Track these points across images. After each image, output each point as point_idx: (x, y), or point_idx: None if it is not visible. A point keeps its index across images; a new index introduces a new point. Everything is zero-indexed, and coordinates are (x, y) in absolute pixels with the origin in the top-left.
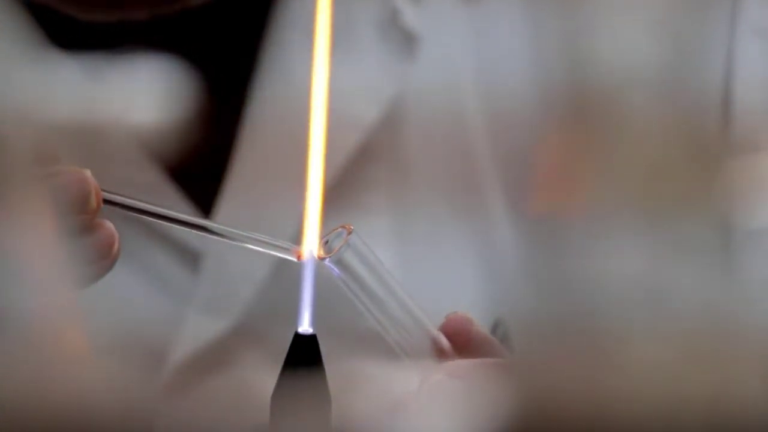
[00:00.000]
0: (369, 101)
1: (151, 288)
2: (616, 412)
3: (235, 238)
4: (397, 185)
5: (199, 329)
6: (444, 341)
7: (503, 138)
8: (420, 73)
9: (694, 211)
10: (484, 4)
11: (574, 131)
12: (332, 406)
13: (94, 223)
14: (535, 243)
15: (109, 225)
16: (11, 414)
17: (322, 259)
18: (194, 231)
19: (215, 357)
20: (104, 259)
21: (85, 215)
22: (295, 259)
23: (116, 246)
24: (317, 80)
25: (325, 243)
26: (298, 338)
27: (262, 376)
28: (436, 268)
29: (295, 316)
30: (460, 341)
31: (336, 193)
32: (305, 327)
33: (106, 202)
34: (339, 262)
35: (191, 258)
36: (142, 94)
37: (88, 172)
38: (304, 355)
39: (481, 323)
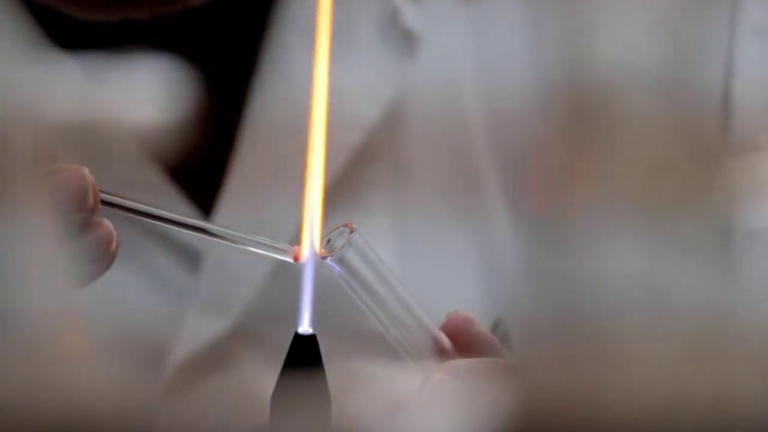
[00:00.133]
0: (369, 101)
1: (151, 288)
2: (616, 412)
3: (234, 240)
4: (397, 185)
5: (199, 329)
6: (445, 341)
7: (503, 138)
8: (420, 73)
9: (694, 211)
10: (484, 3)
11: (574, 131)
12: (332, 406)
13: (92, 222)
14: (535, 243)
15: (108, 223)
16: (11, 414)
17: (324, 257)
18: (193, 233)
19: (215, 357)
20: (102, 258)
21: (83, 213)
22: (292, 261)
23: (114, 244)
24: (318, 80)
25: (327, 242)
26: (298, 338)
27: (262, 376)
28: (436, 267)
29: (295, 316)
30: (461, 341)
31: (336, 193)
32: (305, 327)
33: (105, 203)
34: (341, 261)
35: (191, 258)
36: (143, 93)
37: (85, 170)
38: (304, 355)
39: (481, 322)
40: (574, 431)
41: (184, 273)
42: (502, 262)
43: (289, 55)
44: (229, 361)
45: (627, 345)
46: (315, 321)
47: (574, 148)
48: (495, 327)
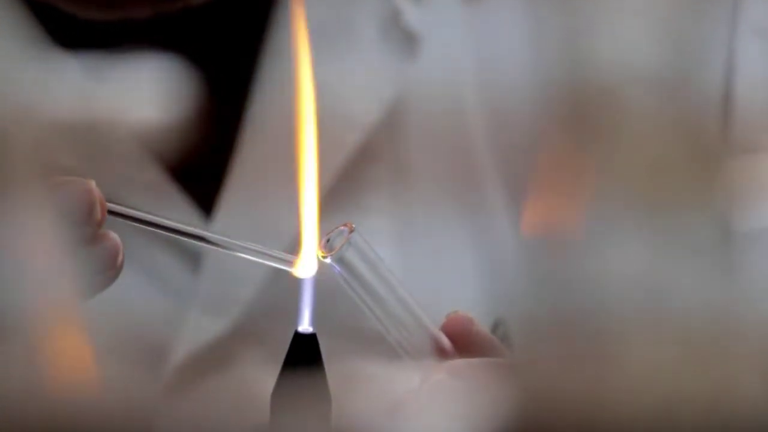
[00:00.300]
0: (370, 101)
1: (151, 288)
2: (616, 411)
3: (238, 250)
4: (397, 185)
5: (199, 329)
6: (445, 341)
7: (504, 137)
8: (421, 73)
9: (694, 211)
10: (484, 4)
11: (574, 131)
12: (332, 405)
13: (98, 234)
14: (535, 242)
15: (114, 236)
16: (11, 414)
17: (324, 257)
18: (198, 243)
19: (215, 357)
20: (109, 270)
21: (89, 226)
22: (292, 270)
23: (120, 257)
24: (304, 82)
25: (327, 242)
26: (298, 337)
27: (262, 375)
28: (436, 267)
29: (295, 316)
30: (461, 341)
31: (336, 193)
32: (305, 326)
33: (115, 214)
34: (341, 261)
35: (191, 258)
36: (143, 93)
37: (92, 183)
38: (304, 354)
39: (481, 322)
40: (573, 431)
41: (185, 273)
42: (503, 262)
43: (290, 54)
44: (230, 361)
45: (627, 344)
46: (315, 320)
47: (574, 148)
48: (495, 327)
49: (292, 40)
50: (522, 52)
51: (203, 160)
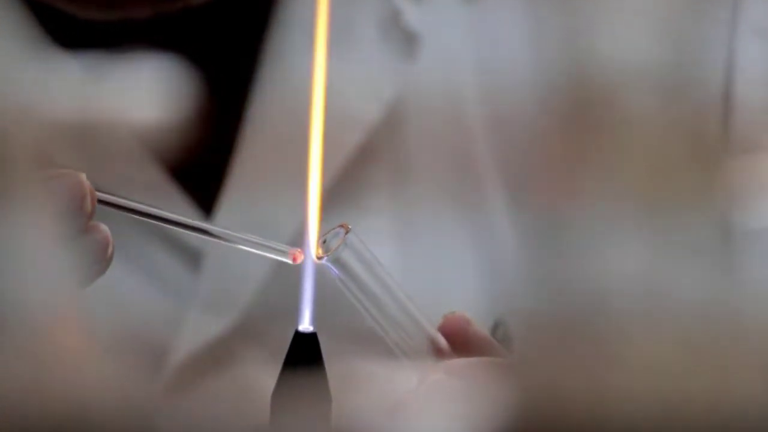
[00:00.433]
0: (370, 101)
1: (151, 288)
2: (615, 411)
3: (232, 240)
4: (397, 185)
5: (199, 328)
6: (442, 341)
7: (503, 138)
8: (421, 73)
9: (695, 211)
10: (484, 3)
11: (575, 130)
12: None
13: (88, 226)
14: (535, 242)
15: (104, 228)
16: (11, 414)
17: (320, 258)
18: (191, 233)
19: (216, 356)
20: (99, 262)
21: (80, 217)
22: (291, 262)
23: (110, 249)
24: (317, 80)
25: (323, 242)
26: (299, 336)
27: (263, 375)
28: (437, 267)
29: (295, 315)
30: (458, 341)
31: (336, 193)
32: (306, 325)
33: (106, 204)
34: (337, 261)
35: (191, 257)
36: (143, 92)
37: (83, 175)
38: (304, 353)
39: (482, 322)
40: (573, 430)
41: (185, 272)
42: (503, 262)
43: (290, 54)
44: (230, 361)
45: (627, 344)
46: (315, 320)
47: (574, 148)
48: (495, 327)
49: (313, 38)
50: (522, 52)
51: (203, 160)
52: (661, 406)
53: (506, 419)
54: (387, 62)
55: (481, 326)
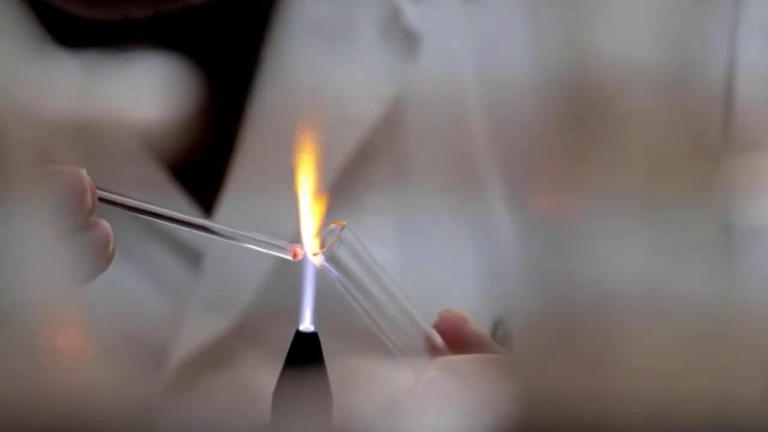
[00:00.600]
0: (370, 101)
1: (151, 287)
2: (615, 411)
3: (231, 237)
4: (398, 184)
5: (199, 328)
6: (438, 338)
7: (504, 137)
8: (421, 73)
9: (695, 209)
10: (484, 2)
11: (575, 129)
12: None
13: (89, 222)
14: (535, 241)
15: (105, 224)
16: (11, 413)
17: (315, 254)
18: (190, 230)
19: (216, 356)
20: (100, 259)
21: (80, 214)
22: (291, 258)
23: (111, 245)
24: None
25: (320, 240)
26: (300, 336)
27: (263, 374)
28: (437, 266)
29: (295, 315)
30: (454, 339)
31: (337, 193)
32: (306, 324)
33: (106, 201)
34: (331, 259)
35: (192, 257)
36: (144, 91)
37: (83, 172)
38: (305, 352)
39: (482, 321)
40: (572, 429)
41: (185, 272)
42: (503, 261)
43: (290, 53)
44: (230, 360)
45: (627, 342)
46: (316, 319)
47: (574, 146)
48: (495, 327)
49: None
50: (522, 51)
51: (204, 159)
52: (662, 405)
53: (502, 415)
54: (387, 62)
55: (479, 325)
